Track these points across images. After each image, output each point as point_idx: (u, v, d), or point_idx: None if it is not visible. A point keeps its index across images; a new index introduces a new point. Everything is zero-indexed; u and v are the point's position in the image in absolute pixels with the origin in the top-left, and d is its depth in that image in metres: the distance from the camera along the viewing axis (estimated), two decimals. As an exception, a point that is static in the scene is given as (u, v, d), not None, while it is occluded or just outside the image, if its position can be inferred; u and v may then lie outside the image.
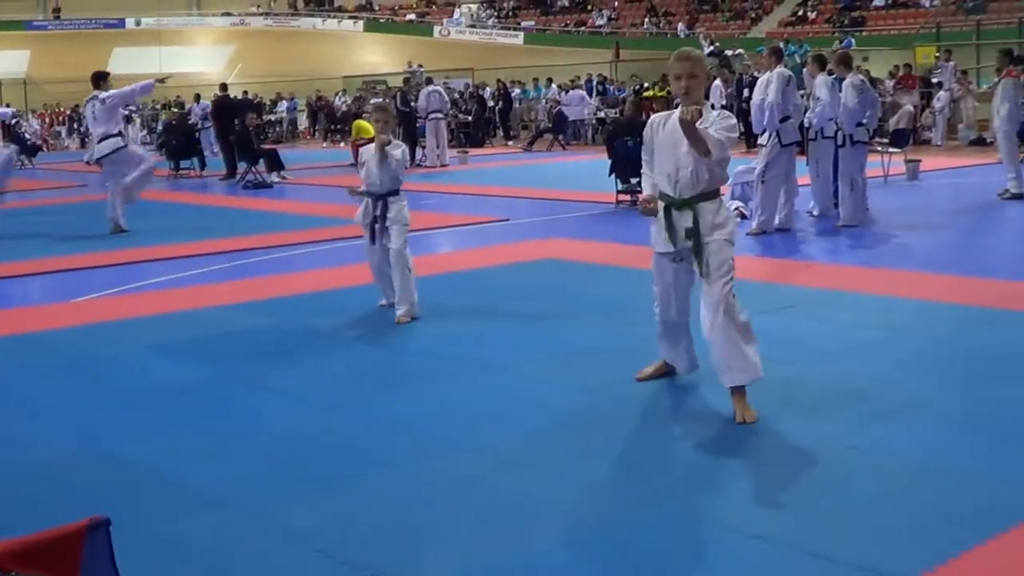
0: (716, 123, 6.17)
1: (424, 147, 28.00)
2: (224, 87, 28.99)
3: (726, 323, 6.17)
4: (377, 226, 9.23)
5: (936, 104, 28.59)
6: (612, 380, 7.03)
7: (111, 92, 15.74)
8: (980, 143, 26.83)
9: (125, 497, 5.30)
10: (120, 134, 16.06)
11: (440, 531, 4.75)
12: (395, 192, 9.28)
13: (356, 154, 28.53)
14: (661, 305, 6.73)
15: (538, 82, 39.83)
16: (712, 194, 6.34)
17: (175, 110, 38.00)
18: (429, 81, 29.62)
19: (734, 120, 6.39)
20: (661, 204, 6.42)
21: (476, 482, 5.35)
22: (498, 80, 39.54)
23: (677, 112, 6.24)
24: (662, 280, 6.65)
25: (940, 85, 28.98)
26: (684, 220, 6.32)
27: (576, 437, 5.98)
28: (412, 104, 29.03)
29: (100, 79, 15.93)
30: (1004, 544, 4.37)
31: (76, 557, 2.75)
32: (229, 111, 26.44)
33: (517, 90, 40.27)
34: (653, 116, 6.69)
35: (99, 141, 15.75)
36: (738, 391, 6.22)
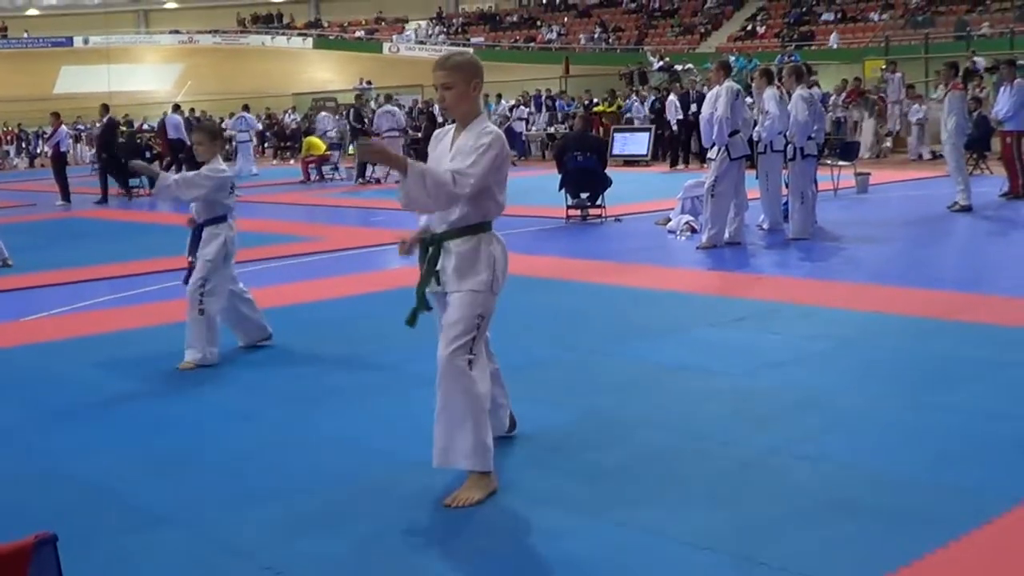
0: (464, 147, 5.20)
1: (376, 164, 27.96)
2: (177, 107, 28.85)
3: (450, 394, 5.33)
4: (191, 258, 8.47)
5: (912, 116, 28.10)
6: (558, 393, 7.04)
7: None
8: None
9: (70, 515, 5.23)
10: None
11: (385, 547, 4.72)
12: (215, 220, 8.41)
13: (306, 171, 28.63)
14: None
15: (488, 98, 39.84)
16: (465, 230, 5.26)
17: (124, 128, 37.57)
18: (388, 99, 29.56)
19: (488, 140, 5.16)
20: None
21: (419, 496, 5.33)
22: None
23: (453, 128, 5.41)
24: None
25: (919, 98, 28.65)
26: (440, 260, 5.34)
27: (520, 449, 5.97)
28: (365, 121, 28.97)
29: None
30: (953, 554, 4.38)
31: (22, 574, 2.71)
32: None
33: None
34: (436, 131, 5.65)
35: None
36: (472, 472, 5.31)
